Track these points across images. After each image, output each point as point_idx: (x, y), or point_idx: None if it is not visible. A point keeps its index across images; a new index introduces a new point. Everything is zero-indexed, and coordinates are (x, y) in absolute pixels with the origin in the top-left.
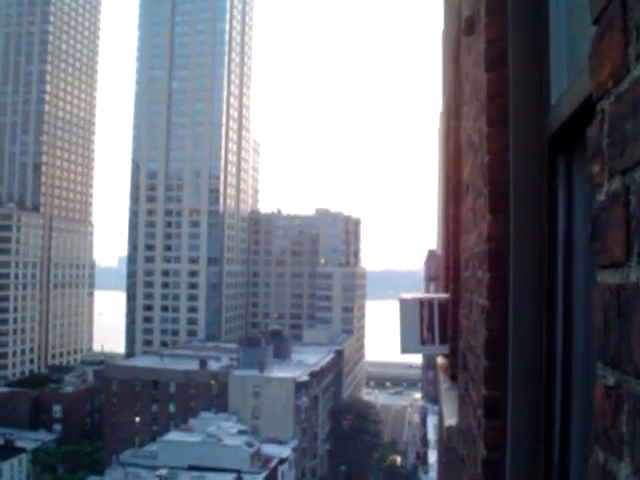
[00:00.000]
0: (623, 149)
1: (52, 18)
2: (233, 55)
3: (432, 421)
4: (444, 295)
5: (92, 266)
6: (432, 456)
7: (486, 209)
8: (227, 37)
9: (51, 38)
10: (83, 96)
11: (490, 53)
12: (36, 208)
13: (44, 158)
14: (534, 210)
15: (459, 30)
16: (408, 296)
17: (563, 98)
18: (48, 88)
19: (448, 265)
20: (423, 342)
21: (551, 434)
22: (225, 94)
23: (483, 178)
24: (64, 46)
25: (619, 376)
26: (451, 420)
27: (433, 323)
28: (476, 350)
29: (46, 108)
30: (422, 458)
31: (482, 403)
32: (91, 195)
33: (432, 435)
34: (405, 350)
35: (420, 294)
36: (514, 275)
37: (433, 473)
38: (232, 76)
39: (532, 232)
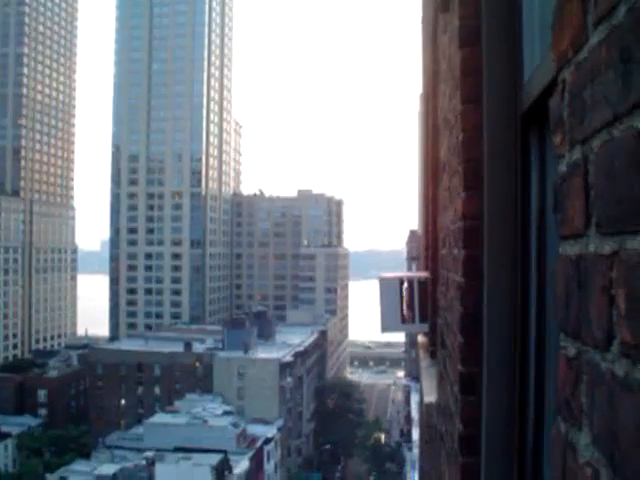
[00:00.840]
0: (582, 118)
1: None
2: (213, 36)
3: (415, 399)
4: (424, 274)
5: (74, 250)
6: (416, 433)
7: (461, 187)
8: (207, 18)
9: (27, 20)
10: (62, 79)
11: (464, 30)
12: (16, 193)
13: (23, 142)
14: (508, 187)
15: (436, 8)
16: (388, 275)
17: (535, 74)
18: (26, 71)
19: (427, 244)
20: (403, 320)
21: (525, 409)
22: (205, 76)
23: (458, 156)
24: (41, 28)
25: (579, 347)
26: (430, 397)
27: (413, 302)
28: (452, 327)
29: (24, 91)
30: (406, 435)
31: (458, 379)
32: (72, 179)
33: (415, 413)
34: (385, 329)
35: (400, 273)
36: (488, 252)
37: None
38: (212, 57)
39: (506, 209)
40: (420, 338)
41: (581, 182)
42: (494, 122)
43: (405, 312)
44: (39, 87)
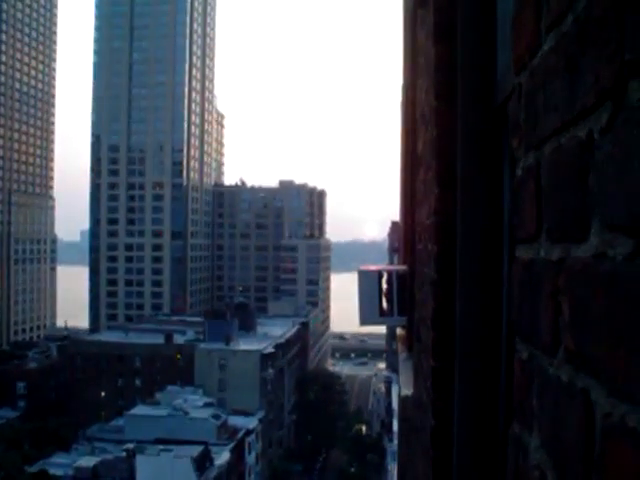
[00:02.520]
0: (535, 124)
1: None
2: (195, 26)
3: (396, 391)
4: (403, 267)
5: (54, 241)
6: (396, 425)
7: (435, 182)
8: (188, 7)
9: (5, 6)
10: (41, 67)
11: (439, 26)
12: None
13: (1, 131)
14: (481, 184)
15: (415, 3)
16: (367, 268)
17: (507, 72)
18: (3, 58)
19: (407, 237)
20: (382, 314)
21: (497, 403)
22: (187, 66)
23: (432, 151)
24: (20, 15)
25: (531, 350)
26: (407, 390)
27: (392, 295)
28: (426, 321)
29: (2, 79)
30: (387, 427)
31: (430, 373)
32: (52, 169)
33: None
34: (364, 321)
35: (380, 266)
36: (461, 248)
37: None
38: (194, 47)
39: (479, 206)
40: (399, 331)
41: (534, 187)
42: (467, 119)
43: (384, 305)
44: (17, 75)
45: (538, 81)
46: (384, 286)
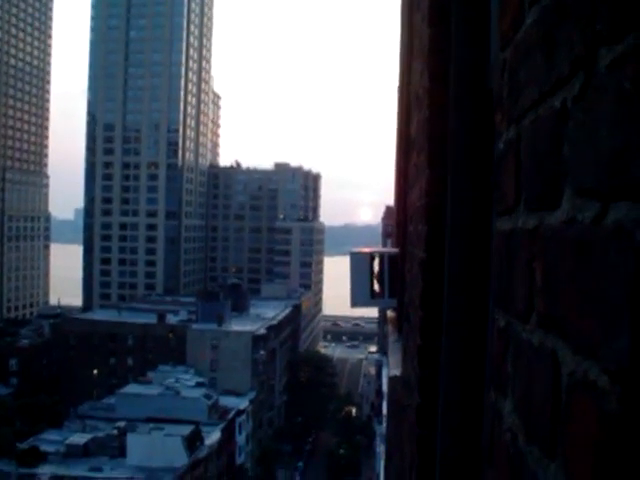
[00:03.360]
0: (517, 97)
1: None
2: (192, 5)
3: (387, 374)
4: (394, 250)
5: (47, 218)
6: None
7: (426, 164)
8: None
9: None
10: (36, 43)
11: (434, 8)
12: None
13: None
14: (472, 165)
15: None
16: (359, 250)
17: (499, 54)
18: None
19: (399, 221)
20: (373, 296)
21: (482, 382)
22: (184, 45)
23: (424, 133)
24: None
25: (508, 319)
26: (395, 371)
27: (383, 277)
28: (415, 302)
29: None
30: (376, 409)
31: (417, 353)
32: (46, 146)
33: (386, 387)
34: (355, 303)
35: (371, 248)
36: (451, 229)
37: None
38: (192, 27)
39: (469, 187)
40: (390, 313)
41: (513, 160)
42: (460, 101)
43: (375, 287)
44: (13, 51)
45: (520, 55)
46: (376, 268)
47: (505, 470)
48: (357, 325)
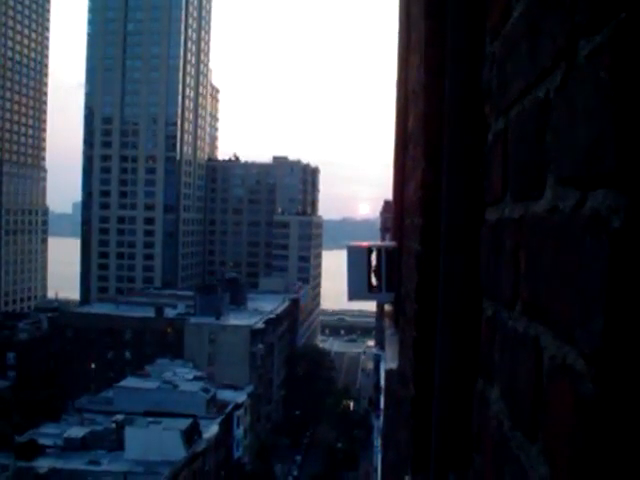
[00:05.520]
0: (505, 89)
1: None
2: None
3: (384, 368)
4: (392, 243)
5: (45, 212)
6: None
7: (422, 157)
8: None
9: None
10: (34, 36)
11: (430, 1)
12: None
13: None
14: (467, 159)
15: None
16: (357, 243)
17: None
18: None
19: (397, 215)
20: (371, 289)
21: (476, 374)
22: (182, 38)
23: (421, 126)
24: None
25: (495, 307)
26: (392, 364)
27: (381, 271)
28: (411, 295)
29: None
30: (374, 404)
31: (412, 345)
32: (44, 139)
33: (384, 382)
34: (352, 297)
35: (369, 242)
36: (446, 222)
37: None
38: (190, 19)
39: (464, 180)
40: (387, 307)
41: (501, 151)
42: (456, 94)
43: (372, 281)
44: (10, 43)
45: (508, 47)
46: (373, 262)
47: (491, 455)
48: (354, 317)
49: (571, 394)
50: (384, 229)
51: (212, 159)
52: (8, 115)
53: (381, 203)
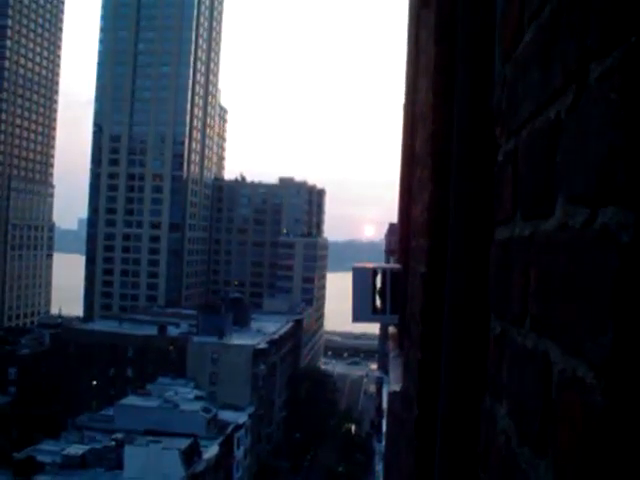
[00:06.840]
0: (516, 110)
1: None
2: (202, 19)
3: (387, 391)
4: (397, 265)
5: (51, 228)
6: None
7: (429, 179)
8: (196, 0)
9: None
10: (46, 54)
11: (440, 26)
12: None
13: (3, 116)
14: (475, 181)
15: (418, 4)
16: (362, 265)
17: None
18: (9, 44)
19: (402, 237)
20: (375, 311)
21: (482, 395)
22: (192, 58)
23: (428, 148)
24: (26, 0)
25: (503, 325)
26: (396, 386)
27: (385, 293)
28: (416, 317)
29: (6, 64)
30: (376, 427)
31: (417, 366)
32: (52, 156)
33: (387, 404)
34: (357, 319)
35: (374, 264)
36: (451, 244)
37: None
38: (200, 40)
39: (472, 203)
40: (391, 329)
41: (511, 171)
42: (463, 117)
43: (377, 303)
44: (22, 61)
45: (519, 70)
46: (378, 284)
47: (498, 473)
48: (357, 339)
49: (581, 406)
50: (389, 252)
51: (219, 178)
52: (18, 131)
53: (386, 225)
